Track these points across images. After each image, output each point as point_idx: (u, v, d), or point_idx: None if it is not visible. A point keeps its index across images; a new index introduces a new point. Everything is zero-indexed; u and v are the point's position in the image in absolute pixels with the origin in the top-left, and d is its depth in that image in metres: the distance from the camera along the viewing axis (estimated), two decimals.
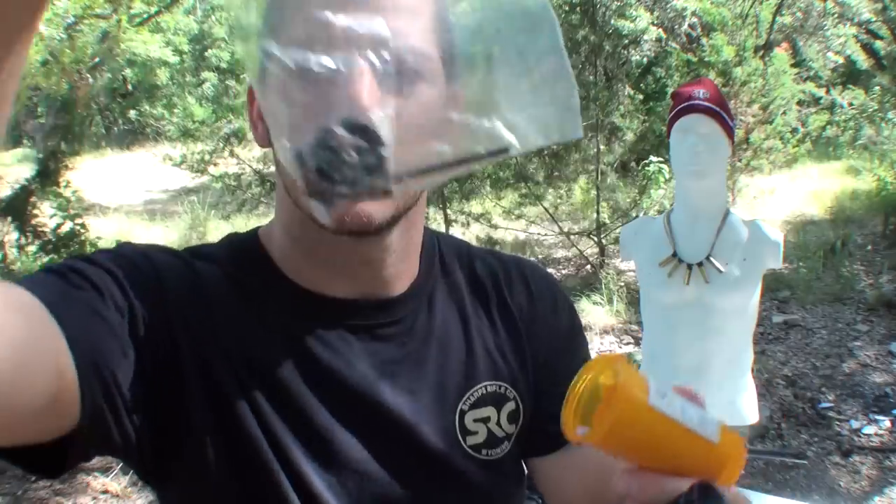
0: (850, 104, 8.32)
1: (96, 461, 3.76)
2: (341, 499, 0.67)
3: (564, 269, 6.45)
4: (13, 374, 0.49)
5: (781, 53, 5.96)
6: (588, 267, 6.13)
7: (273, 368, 0.67)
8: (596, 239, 6.13)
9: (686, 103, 1.96)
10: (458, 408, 0.74)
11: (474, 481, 0.73)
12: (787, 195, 7.11)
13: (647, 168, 6.28)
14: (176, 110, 6.79)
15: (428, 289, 0.76)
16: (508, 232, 6.75)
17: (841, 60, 9.26)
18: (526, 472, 0.81)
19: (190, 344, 0.65)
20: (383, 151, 0.55)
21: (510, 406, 0.76)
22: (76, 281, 0.60)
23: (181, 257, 0.70)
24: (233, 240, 0.75)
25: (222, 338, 0.67)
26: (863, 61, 8.83)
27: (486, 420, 0.75)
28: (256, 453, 0.65)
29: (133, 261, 0.65)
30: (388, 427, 0.70)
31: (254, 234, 0.75)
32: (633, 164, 6.81)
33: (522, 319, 0.80)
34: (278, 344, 0.68)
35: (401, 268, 0.72)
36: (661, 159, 6.05)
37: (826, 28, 9.09)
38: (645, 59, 8.46)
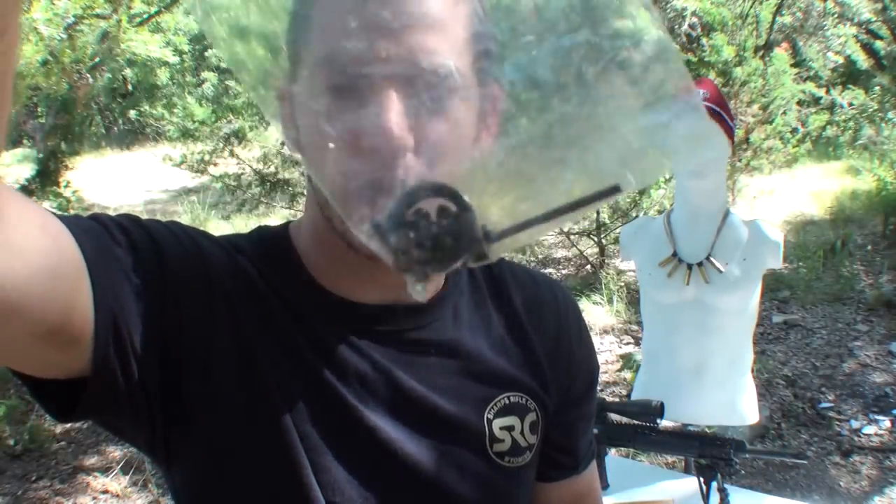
0: (850, 104, 8.31)
1: (96, 460, 3.75)
2: (361, 493, 0.68)
3: (564, 269, 6.45)
4: (24, 290, 0.50)
5: (781, 53, 5.96)
6: (588, 267, 6.13)
7: (306, 366, 0.67)
8: (596, 239, 6.12)
9: None
10: (485, 416, 0.74)
11: (499, 487, 0.75)
12: (787, 195, 7.11)
13: None
14: (176, 110, 6.77)
15: (454, 298, 0.76)
16: None
17: (841, 60, 9.26)
18: None
19: (229, 329, 0.65)
20: (469, 217, 0.50)
21: (531, 417, 0.77)
22: (117, 236, 0.60)
23: (226, 248, 0.69)
24: (263, 235, 0.74)
25: (261, 330, 0.67)
26: (863, 61, 8.82)
27: (510, 429, 0.76)
28: (288, 447, 0.65)
29: (180, 238, 0.66)
30: (430, 429, 0.71)
31: (284, 230, 0.74)
32: None
33: (545, 341, 0.80)
34: (309, 345, 0.68)
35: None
36: None
37: (826, 28, 9.09)
38: None
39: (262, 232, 0.75)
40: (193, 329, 0.64)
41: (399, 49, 0.57)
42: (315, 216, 0.69)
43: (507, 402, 0.76)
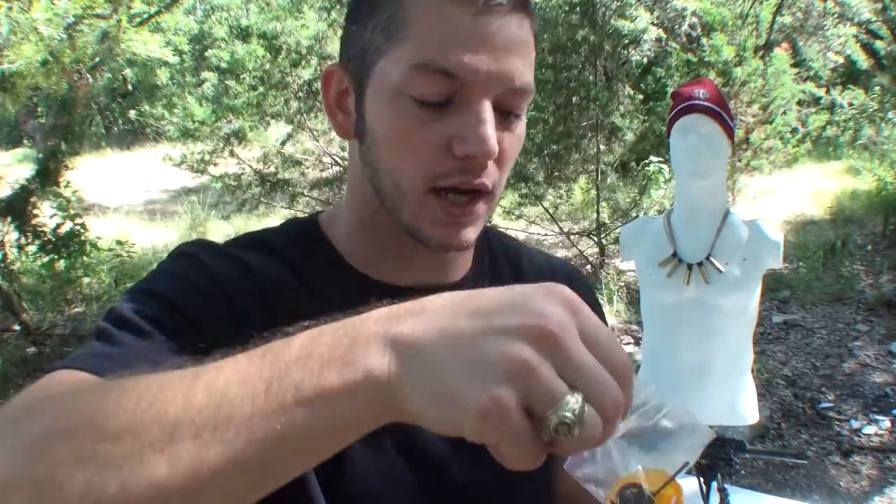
0: (850, 104, 8.30)
1: None
2: (384, 480, 0.68)
3: None
4: None
5: (781, 53, 5.95)
6: (588, 267, 6.13)
7: None
8: (596, 239, 6.12)
9: (686, 103, 1.96)
10: None
11: (529, 473, 0.76)
12: (787, 195, 7.11)
13: (647, 168, 6.27)
14: (176, 110, 6.77)
15: (479, 279, 0.79)
16: (508, 232, 6.73)
17: (841, 60, 9.25)
18: None
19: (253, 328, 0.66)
20: None
21: None
22: (147, 329, 0.60)
23: (231, 255, 0.70)
24: (294, 225, 0.78)
25: (281, 321, 0.67)
26: (863, 61, 8.81)
27: None
28: None
29: (193, 280, 0.66)
30: None
31: (314, 220, 0.78)
32: (633, 164, 6.80)
33: None
34: None
35: (460, 261, 0.77)
36: (661, 159, 6.04)
37: (826, 28, 9.08)
38: (645, 59, 8.46)
39: (293, 223, 0.78)
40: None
41: (499, 66, 0.63)
42: (363, 204, 0.72)
43: None
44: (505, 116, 0.66)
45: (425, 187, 0.66)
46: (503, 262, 0.83)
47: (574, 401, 0.39)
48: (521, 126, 0.69)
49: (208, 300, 0.64)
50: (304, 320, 0.67)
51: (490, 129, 0.63)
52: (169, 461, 0.40)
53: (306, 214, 0.82)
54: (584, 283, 0.89)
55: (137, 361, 0.53)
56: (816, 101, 7.94)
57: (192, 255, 0.68)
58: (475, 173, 0.65)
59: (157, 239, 7.35)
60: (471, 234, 0.69)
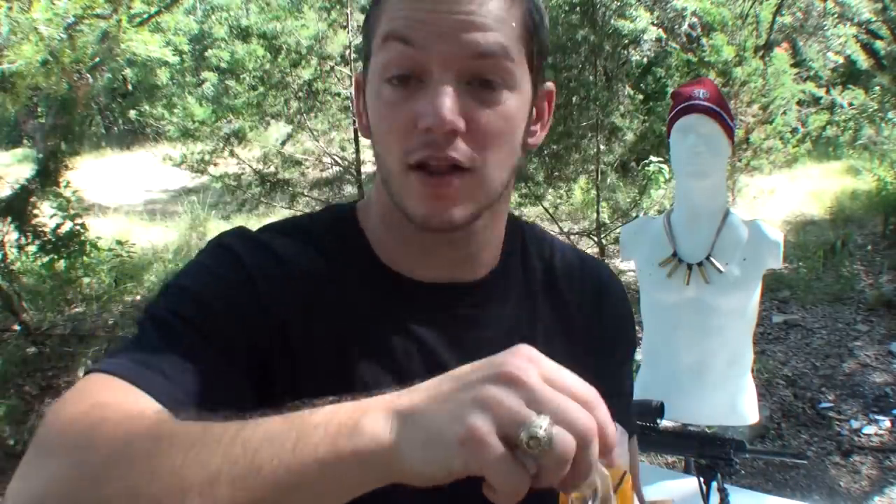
0: (850, 104, 8.31)
1: None
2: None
3: None
4: None
5: (781, 53, 5.95)
6: None
7: (356, 345, 0.71)
8: (596, 239, 6.13)
9: (686, 103, 1.96)
10: None
11: None
12: (787, 195, 7.11)
13: (647, 168, 6.27)
14: (176, 110, 6.77)
15: (506, 275, 0.79)
16: None
17: (841, 60, 9.25)
18: None
19: (292, 326, 0.69)
20: None
21: None
22: (189, 337, 0.65)
23: (264, 245, 0.72)
24: (335, 213, 0.79)
25: (313, 315, 0.70)
26: (863, 61, 8.81)
27: None
28: None
29: (226, 276, 0.69)
30: None
31: (352, 208, 0.79)
32: (633, 164, 6.80)
33: (586, 319, 0.84)
34: (362, 322, 0.72)
35: (484, 255, 0.77)
36: (661, 159, 6.04)
37: (826, 28, 9.08)
38: (645, 59, 8.45)
39: (333, 210, 0.80)
40: (271, 351, 0.68)
41: (458, 33, 0.64)
42: (382, 198, 0.74)
43: None
44: (482, 88, 0.65)
45: (403, 166, 0.67)
46: (535, 258, 0.83)
47: (542, 419, 0.44)
48: (505, 98, 0.67)
49: (240, 295, 0.68)
50: (331, 311, 0.71)
51: (444, 100, 0.63)
52: (205, 502, 0.47)
53: (348, 201, 0.84)
54: (614, 279, 0.89)
55: (174, 370, 0.61)
56: (816, 101, 7.95)
57: (229, 246, 0.71)
58: (439, 147, 0.64)
59: (157, 239, 7.35)
60: (456, 213, 0.68)
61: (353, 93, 0.77)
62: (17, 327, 5.03)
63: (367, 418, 0.48)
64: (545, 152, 6.07)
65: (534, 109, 0.74)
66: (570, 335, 0.82)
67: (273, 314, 0.68)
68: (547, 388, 0.47)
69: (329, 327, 0.70)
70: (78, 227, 5.07)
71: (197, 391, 0.61)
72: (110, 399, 0.57)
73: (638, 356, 2.55)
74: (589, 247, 6.30)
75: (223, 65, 6.66)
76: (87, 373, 0.62)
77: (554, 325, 0.81)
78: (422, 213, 0.67)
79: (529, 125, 0.73)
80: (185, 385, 0.61)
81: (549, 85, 0.76)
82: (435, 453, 0.46)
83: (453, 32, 0.63)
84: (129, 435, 0.51)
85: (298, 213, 0.79)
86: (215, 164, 6.67)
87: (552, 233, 1.03)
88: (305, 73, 6.43)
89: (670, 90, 4.36)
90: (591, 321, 0.84)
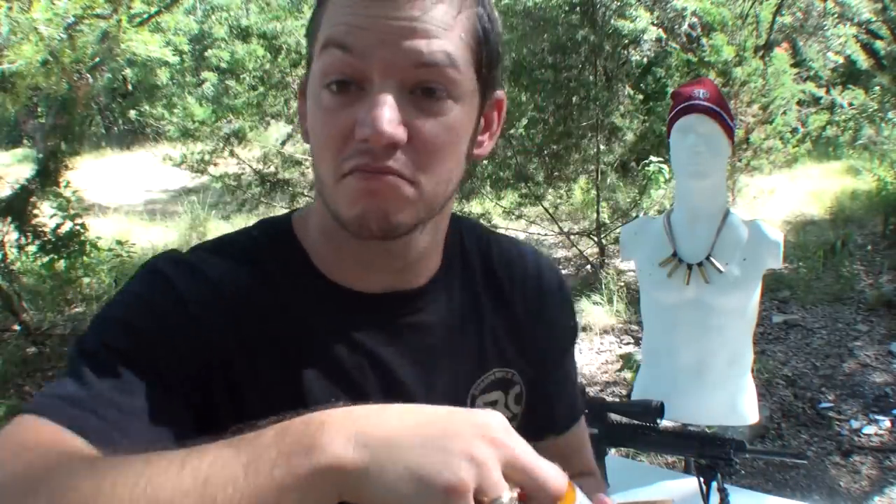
0: (850, 104, 8.31)
1: None
2: None
3: (565, 269, 6.45)
4: None
5: (781, 53, 5.95)
6: (588, 267, 6.13)
7: (301, 360, 0.69)
8: (596, 239, 6.13)
9: (686, 103, 1.96)
10: (470, 393, 0.79)
11: None
12: (787, 195, 7.11)
13: (647, 168, 6.27)
14: (176, 110, 6.78)
15: (448, 280, 0.79)
16: (508, 232, 6.74)
17: (841, 60, 9.25)
18: None
19: (231, 346, 0.67)
20: None
21: (516, 389, 0.82)
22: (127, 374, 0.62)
23: (196, 268, 0.69)
24: (267, 228, 0.76)
25: (251, 335, 0.68)
26: (863, 61, 8.81)
27: (493, 403, 0.81)
28: None
29: (158, 303, 0.66)
30: None
31: (288, 221, 0.76)
32: (633, 164, 6.80)
33: (529, 310, 0.84)
34: (305, 336, 0.70)
35: (425, 263, 0.76)
36: (661, 159, 6.04)
37: (826, 28, 9.07)
38: (645, 59, 8.45)
39: (265, 225, 0.77)
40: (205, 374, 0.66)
41: (397, 40, 0.61)
42: (319, 203, 0.71)
43: (494, 377, 0.80)
44: (425, 97, 0.63)
45: (338, 175, 0.64)
46: (475, 256, 0.82)
47: (506, 494, 0.47)
48: (450, 108, 0.64)
49: (173, 319, 0.65)
50: (271, 328, 0.68)
51: (384, 110, 0.60)
52: None
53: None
54: (555, 271, 0.89)
55: (106, 408, 0.58)
56: (816, 101, 7.95)
57: (159, 270, 0.68)
58: (376, 157, 0.61)
59: (157, 239, 7.35)
60: (393, 216, 0.64)
61: (298, 97, 0.74)
62: (17, 327, 5.03)
63: (326, 436, 0.47)
64: (545, 152, 6.07)
65: (482, 119, 0.71)
66: (516, 331, 0.82)
67: (209, 336, 0.65)
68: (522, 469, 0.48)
69: (271, 343, 0.68)
70: (78, 227, 5.07)
71: (133, 426, 0.59)
72: (38, 441, 0.55)
73: (638, 356, 2.55)
74: (589, 247, 6.30)
75: (223, 65, 6.66)
76: (19, 413, 0.59)
77: (499, 322, 0.81)
78: (356, 214, 0.64)
79: (476, 135, 0.70)
80: (118, 422, 0.58)
81: (500, 93, 0.73)
82: (409, 489, 0.46)
83: (395, 39, 0.61)
84: (72, 478, 0.49)
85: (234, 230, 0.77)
86: (215, 164, 6.68)
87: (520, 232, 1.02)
88: None
89: (670, 90, 4.36)
90: (533, 313, 0.84)
